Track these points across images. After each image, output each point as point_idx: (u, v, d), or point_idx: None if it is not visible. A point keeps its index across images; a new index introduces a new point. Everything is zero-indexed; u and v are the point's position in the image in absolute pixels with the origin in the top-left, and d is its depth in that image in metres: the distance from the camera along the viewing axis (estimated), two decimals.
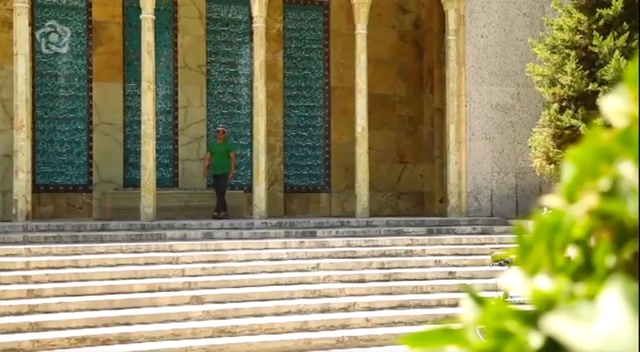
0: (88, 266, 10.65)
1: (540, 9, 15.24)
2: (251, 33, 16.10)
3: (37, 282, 10.06)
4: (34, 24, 15.57)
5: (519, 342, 0.75)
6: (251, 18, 15.09)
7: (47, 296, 9.75)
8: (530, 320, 0.75)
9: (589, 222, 0.77)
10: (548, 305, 0.75)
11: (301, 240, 12.18)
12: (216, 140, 15.17)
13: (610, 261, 0.76)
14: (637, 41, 12.00)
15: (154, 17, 13.87)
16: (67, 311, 9.45)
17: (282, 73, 17.41)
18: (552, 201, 0.78)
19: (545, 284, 0.73)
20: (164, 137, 16.36)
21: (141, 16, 13.84)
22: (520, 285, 0.75)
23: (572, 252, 0.80)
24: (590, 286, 0.74)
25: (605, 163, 0.78)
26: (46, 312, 9.35)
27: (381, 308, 10.40)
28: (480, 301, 0.81)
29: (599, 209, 0.75)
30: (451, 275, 11.56)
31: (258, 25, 14.43)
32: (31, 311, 9.35)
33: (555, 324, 0.62)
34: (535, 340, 0.74)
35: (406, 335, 0.79)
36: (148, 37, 13.70)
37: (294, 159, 17.66)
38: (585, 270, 0.77)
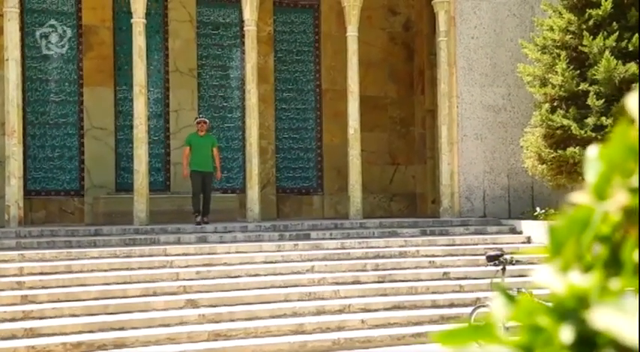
0: (81, 272, 10.61)
1: (530, 9, 15.31)
2: (242, 36, 16.11)
3: (31, 288, 10.02)
4: (24, 29, 15.53)
5: (548, 337, 0.76)
6: (241, 21, 15.08)
7: (41, 302, 9.70)
8: (563, 316, 0.76)
9: (614, 219, 0.78)
10: (580, 300, 0.76)
11: (295, 242, 12.17)
12: (197, 132, 13.68)
13: (637, 256, 0.77)
14: (627, 41, 12.06)
15: (145, 21, 13.85)
16: (61, 316, 9.41)
17: (273, 76, 17.42)
18: (581, 198, 0.79)
19: (581, 279, 0.74)
20: (156, 141, 16.33)
21: (132, 20, 13.81)
22: (554, 281, 0.76)
23: (597, 248, 0.81)
24: (623, 281, 0.75)
25: (633, 160, 0.79)
26: (41, 318, 9.31)
27: (376, 310, 10.41)
28: (510, 298, 0.82)
29: (630, 205, 0.76)
30: (445, 276, 11.58)
31: (250, 28, 14.43)
32: (26, 317, 9.31)
33: (603, 318, 0.63)
34: (567, 335, 0.75)
35: (438, 333, 0.80)
36: (139, 41, 13.67)
37: (286, 161, 17.67)
38: (612, 266, 0.78)
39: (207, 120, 13.99)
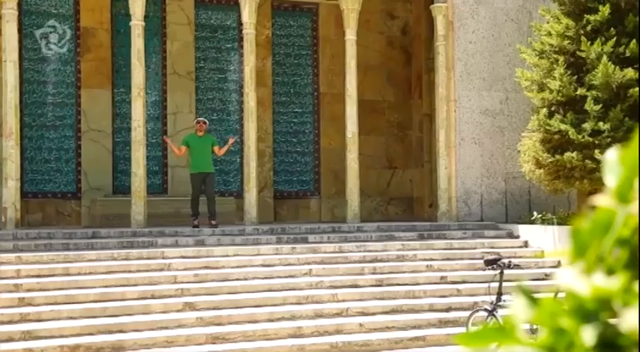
0: (79, 274, 10.59)
1: (528, 15, 15.35)
2: (240, 39, 16.12)
3: (28, 290, 10.00)
4: (22, 31, 15.52)
5: (571, 339, 0.76)
6: (240, 24, 15.09)
7: (39, 305, 9.68)
8: (585, 318, 0.76)
9: (637, 221, 0.79)
10: (601, 303, 0.76)
11: (293, 245, 12.16)
12: (196, 132, 13.46)
13: None
14: (624, 46, 12.10)
15: (143, 24, 13.84)
16: (59, 319, 9.39)
17: (271, 79, 17.43)
18: (603, 200, 0.80)
19: (605, 282, 0.74)
20: (153, 144, 16.32)
21: (130, 23, 13.81)
22: (577, 283, 0.76)
23: (616, 251, 0.81)
24: None
25: None
26: (38, 321, 9.29)
27: (373, 314, 10.41)
28: (533, 300, 0.82)
29: None
30: (443, 280, 11.58)
31: (249, 31, 14.44)
32: (23, 319, 9.29)
33: (631, 320, 0.64)
34: (589, 337, 0.75)
35: (459, 335, 0.81)
36: (137, 43, 13.67)
37: (283, 165, 17.67)
38: (631, 269, 0.78)
39: (207, 121, 13.83)
